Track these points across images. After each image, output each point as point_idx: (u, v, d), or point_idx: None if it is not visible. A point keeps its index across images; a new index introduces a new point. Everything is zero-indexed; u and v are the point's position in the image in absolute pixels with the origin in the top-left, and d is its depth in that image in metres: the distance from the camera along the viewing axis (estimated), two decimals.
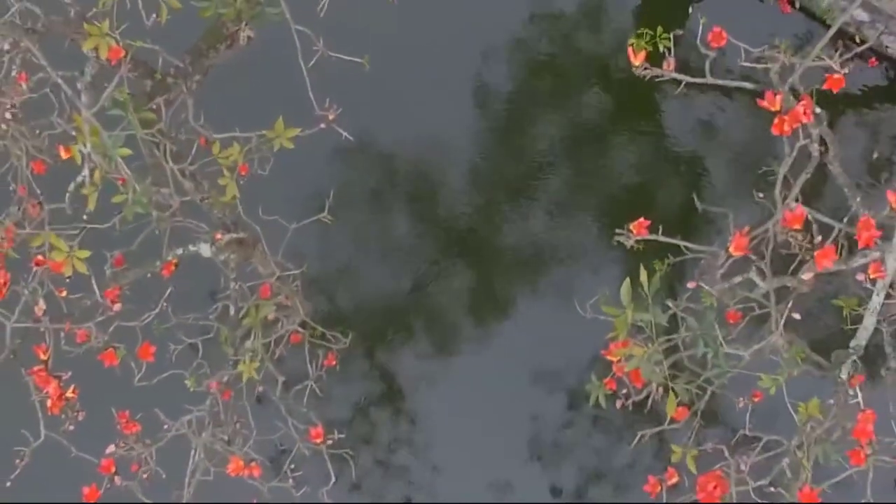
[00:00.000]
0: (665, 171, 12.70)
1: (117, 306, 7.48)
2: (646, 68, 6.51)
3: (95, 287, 7.24)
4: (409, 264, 12.38)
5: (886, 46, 12.40)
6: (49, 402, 7.40)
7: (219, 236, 8.05)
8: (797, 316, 6.78)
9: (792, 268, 7.32)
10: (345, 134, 7.42)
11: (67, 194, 7.83)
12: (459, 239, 12.52)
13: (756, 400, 7.95)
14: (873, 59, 12.11)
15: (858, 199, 7.00)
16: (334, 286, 12.13)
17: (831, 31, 6.43)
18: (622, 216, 12.30)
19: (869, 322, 7.31)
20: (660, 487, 7.51)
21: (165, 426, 7.98)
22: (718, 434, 9.65)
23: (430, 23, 12.26)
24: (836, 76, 6.22)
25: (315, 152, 11.30)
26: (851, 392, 6.93)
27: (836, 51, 6.80)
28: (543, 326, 11.89)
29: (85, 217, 7.80)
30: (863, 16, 12.14)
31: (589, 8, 13.25)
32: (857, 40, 12.00)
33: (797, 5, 12.29)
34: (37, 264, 7.82)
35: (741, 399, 8.10)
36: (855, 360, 7.61)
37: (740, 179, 12.14)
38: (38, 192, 7.95)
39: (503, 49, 12.96)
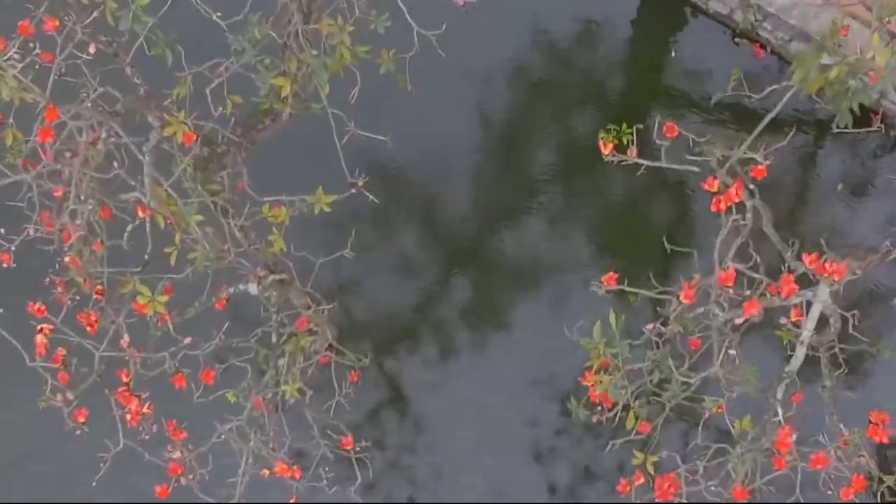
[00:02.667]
0: (658, 193, 13.86)
1: (188, 339, 9.27)
2: (613, 155, 8.35)
3: (170, 325, 9.08)
4: (415, 282, 13.57)
5: None
6: (129, 417, 9.08)
7: (262, 274, 9.81)
8: (733, 352, 8.70)
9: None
10: (371, 197, 9.25)
11: (126, 234, 9.62)
12: (462, 258, 13.73)
13: (720, 411, 9.62)
14: None
15: (790, 254, 8.95)
16: (347, 302, 13.16)
17: (765, 121, 8.38)
18: (618, 232, 13.89)
19: (800, 352, 9.09)
20: (629, 487, 9.43)
21: (220, 435, 9.62)
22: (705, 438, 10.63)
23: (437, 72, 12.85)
24: (759, 167, 8.04)
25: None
26: (780, 411, 8.86)
27: None
28: (540, 337, 13.05)
29: (146, 257, 9.74)
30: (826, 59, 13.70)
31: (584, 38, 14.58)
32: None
33: (769, 50, 13.90)
34: (97, 294, 9.79)
35: (706, 411, 9.66)
36: (794, 381, 9.52)
37: None
38: (99, 231, 9.92)
39: (501, 85, 14.17)
